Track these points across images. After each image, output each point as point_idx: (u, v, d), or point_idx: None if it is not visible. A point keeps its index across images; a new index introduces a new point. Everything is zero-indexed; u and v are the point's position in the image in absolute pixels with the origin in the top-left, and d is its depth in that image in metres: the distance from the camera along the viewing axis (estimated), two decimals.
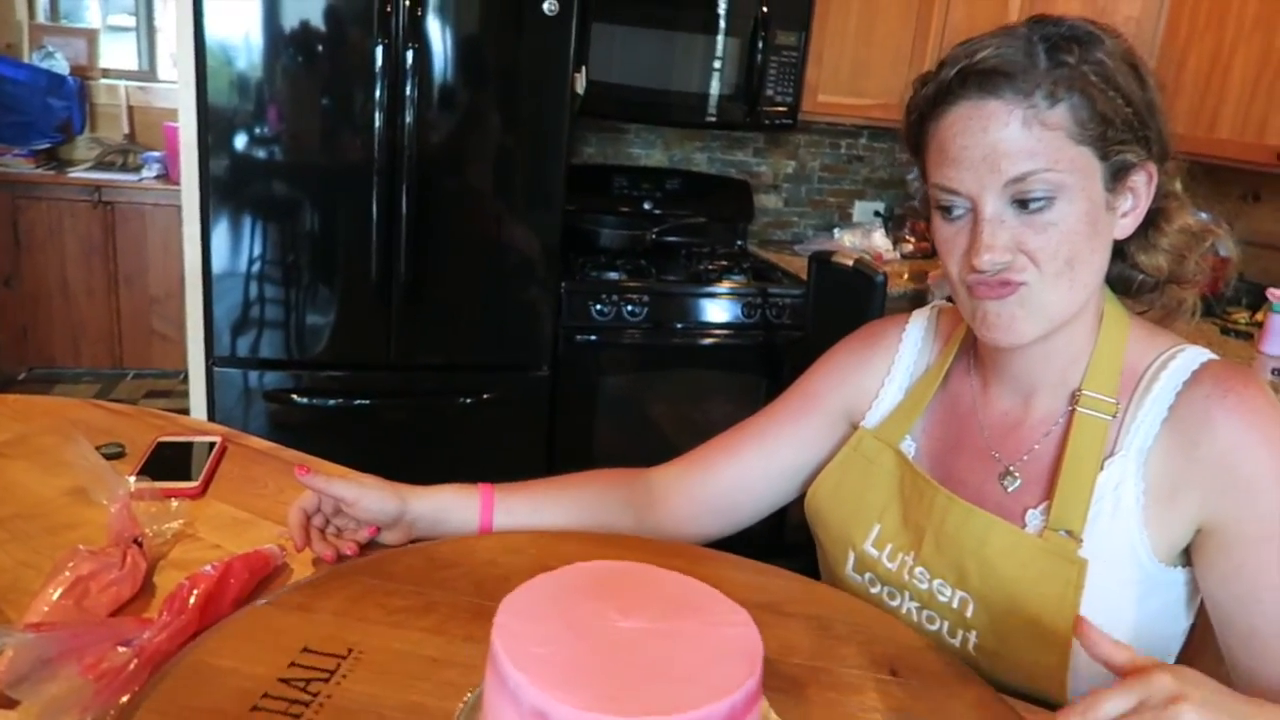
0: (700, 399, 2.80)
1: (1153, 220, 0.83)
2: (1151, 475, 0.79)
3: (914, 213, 3.29)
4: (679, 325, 2.75)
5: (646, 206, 3.11)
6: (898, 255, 3.17)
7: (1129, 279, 0.86)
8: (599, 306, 2.65)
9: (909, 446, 0.92)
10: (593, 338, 2.67)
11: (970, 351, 0.93)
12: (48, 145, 4.05)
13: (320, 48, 2.27)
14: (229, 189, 2.33)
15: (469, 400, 2.58)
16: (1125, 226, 0.80)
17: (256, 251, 2.38)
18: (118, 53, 4.36)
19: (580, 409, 2.71)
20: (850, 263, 2.44)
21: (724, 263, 2.96)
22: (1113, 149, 0.75)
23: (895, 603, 0.89)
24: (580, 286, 2.66)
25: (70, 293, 4.01)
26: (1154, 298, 0.88)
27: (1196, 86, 2.56)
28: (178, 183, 3.79)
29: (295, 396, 2.46)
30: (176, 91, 2.39)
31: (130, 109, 4.25)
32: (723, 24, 2.78)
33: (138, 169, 4.08)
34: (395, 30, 2.26)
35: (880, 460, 0.92)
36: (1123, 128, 0.75)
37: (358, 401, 2.51)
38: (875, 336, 0.99)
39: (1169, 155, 0.81)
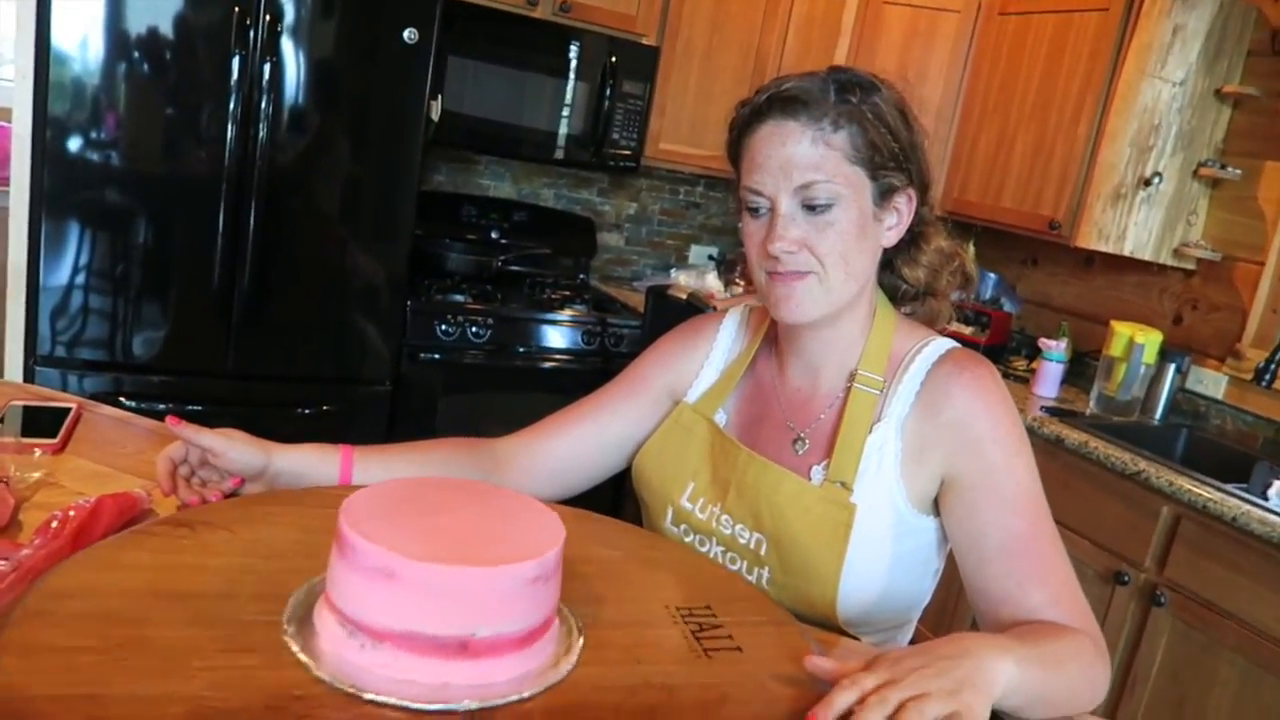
0: (535, 420, 2.91)
1: (915, 241, 1.05)
2: (907, 438, 0.98)
3: (743, 259, 3.56)
4: (521, 349, 2.87)
5: (494, 235, 3.24)
6: (728, 296, 3.41)
7: (896, 288, 1.07)
8: (444, 326, 2.74)
9: (721, 417, 1.09)
10: (436, 356, 2.75)
11: (772, 341, 1.11)
12: None
13: (172, 56, 2.28)
14: (64, 190, 2.29)
15: (307, 411, 2.60)
16: (890, 237, 1.01)
17: (90, 253, 2.34)
18: None
19: (418, 426, 2.77)
20: (685, 296, 2.64)
21: (567, 293, 3.11)
22: (880, 172, 0.96)
23: (705, 548, 1.04)
24: (426, 306, 2.74)
25: None
26: (916, 306, 1.09)
27: (986, 161, 2.94)
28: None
29: (122, 399, 2.41)
30: (5, 90, 2.32)
31: None
32: (574, 69, 2.97)
33: None
34: (253, 43, 2.31)
35: (696, 429, 1.08)
36: (889, 157, 0.96)
37: (190, 407, 2.48)
38: (697, 328, 1.17)
39: (928, 187, 1.02)
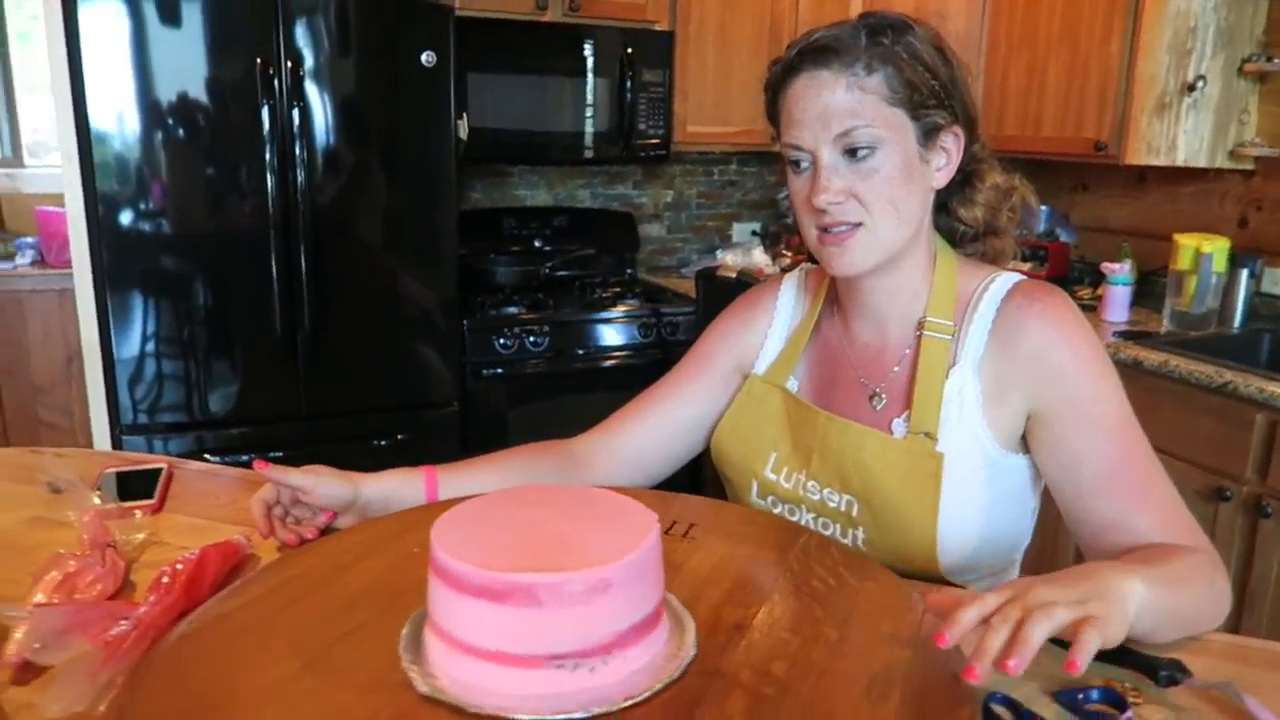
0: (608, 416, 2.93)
1: (969, 180, 1.02)
2: (985, 378, 0.96)
3: (787, 229, 3.54)
4: (580, 351, 2.89)
5: (537, 244, 3.26)
6: (777, 269, 3.39)
7: (954, 230, 1.05)
8: (501, 340, 2.76)
9: (793, 384, 1.08)
10: (498, 371, 2.78)
11: (833, 301, 1.10)
12: None
13: (204, 117, 2.34)
14: (123, 263, 2.37)
15: (383, 442, 2.64)
16: (940, 179, 0.98)
17: (156, 320, 2.42)
18: None
19: (490, 441, 2.77)
20: (734, 274, 2.63)
21: (617, 289, 3.12)
22: (921, 112, 0.93)
23: (795, 517, 1.04)
24: (481, 323, 2.77)
25: None
26: (977, 247, 1.06)
27: (1020, 91, 2.87)
28: (55, 268, 3.77)
29: (206, 456, 2.48)
30: (47, 176, 2.41)
31: None
32: (591, 66, 2.97)
33: (11, 257, 3.99)
34: (279, 92, 2.35)
35: (770, 399, 1.08)
36: (928, 95, 0.93)
37: (271, 455, 2.54)
38: (755, 299, 1.16)
39: (975, 123, 1.00)
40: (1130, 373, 2.21)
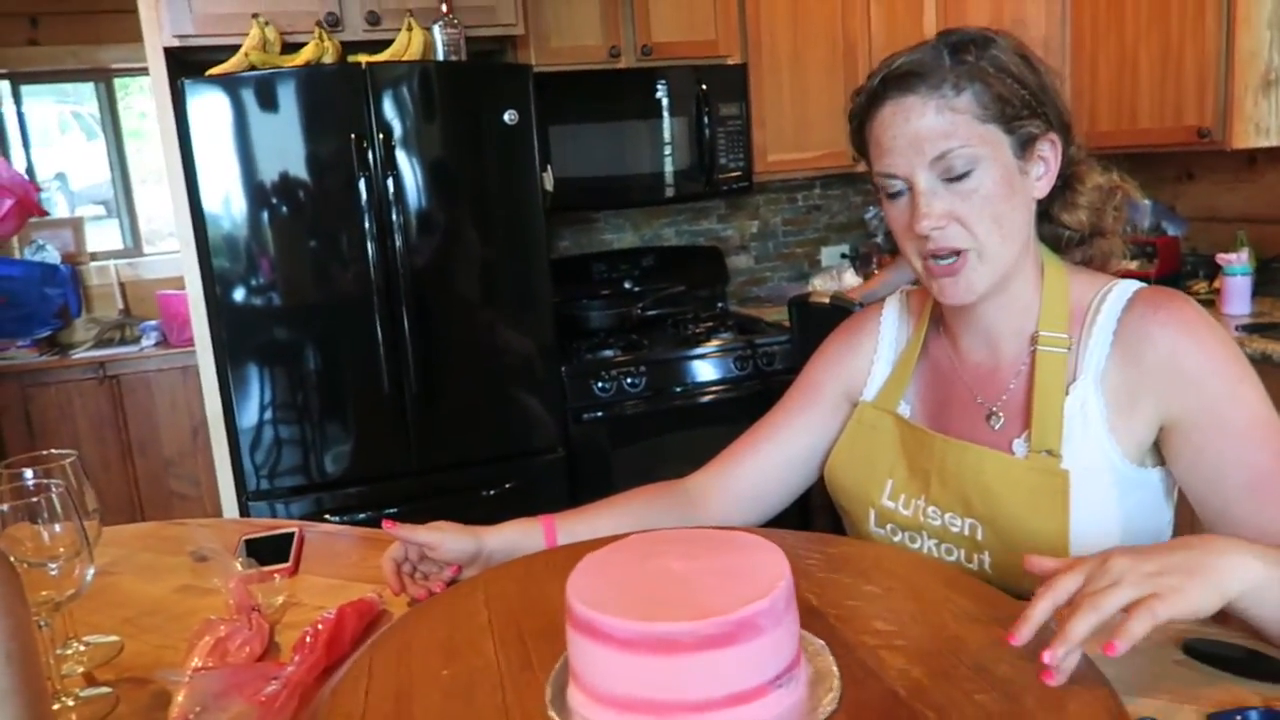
0: (709, 454, 2.92)
1: (1069, 184, 1.00)
2: (1109, 391, 0.93)
3: (877, 249, 3.50)
4: (677, 389, 2.90)
5: (627, 286, 3.29)
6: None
7: (1059, 236, 1.02)
8: (600, 384, 2.80)
9: (904, 409, 1.06)
10: (599, 414, 2.81)
11: (939, 321, 1.08)
12: (49, 332, 4.21)
13: (305, 194, 2.45)
14: (240, 338, 2.49)
15: (492, 492, 2.69)
16: (1041, 188, 0.96)
17: (273, 391, 2.53)
18: (98, 237, 4.58)
19: (598, 483, 2.82)
20: (827, 299, 2.61)
21: (709, 324, 3.13)
22: (1014, 124, 0.92)
23: (915, 545, 1.01)
24: (579, 369, 2.81)
25: (88, 468, 4.10)
26: (1084, 251, 1.03)
27: (1110, 85, 2.78)
28: (177, 346, 3.99)
29: (328, 517, 2.57)
30: (165, 262, 2.56)
31: (122, 285, 4.44)
32: (666, 107, 3.01)
33: (136, 340, 4.24)
34: (374, 164, 2.46)
35: (882, 425, 1.06)
36: (1020, 106, 0.92)
37: (387, 511, 2.61)
38: (859, 325, 1.15)
39: (1069, 126, 0.97)
40: (1260, 367, 2.07)
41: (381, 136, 2.45)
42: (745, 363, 2.92)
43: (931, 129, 0.90)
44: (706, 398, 2.91)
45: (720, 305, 3.45)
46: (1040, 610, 0.67)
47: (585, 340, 2.99)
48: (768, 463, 1.13)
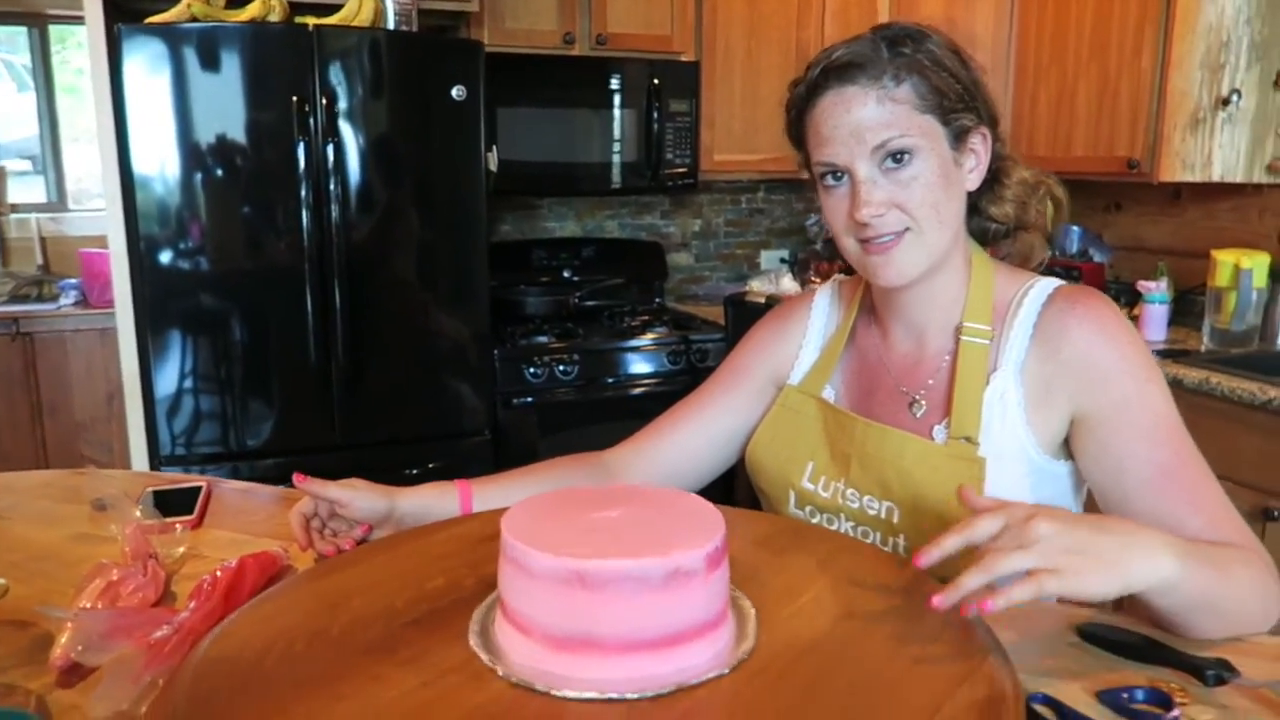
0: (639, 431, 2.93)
1: (996, 178, 1.02)
2: (1028, 382, 0.95)
3: (816, 255, 3.54)
4: (609, 380, 2.89)
5: (566, 275, 3.28)
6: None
7: (985, 230, 1.04)
8: (532, 370, 2.77)
9: (829, 394, 1.07)
10: (529, 400, 2.78)
11: (869, 310, 1.09)
12: None
13: (242, 158, 2.38)
14: (163, 301, 2.41)
15: (415, 471, 2.64)
16: (972, 180, 0.98)
17: (195, 357, 2.45)
18: (22, 192, 4.40)
19: None
20: (763, 299, 2.63)
21: (645, 318, 3.12)
22: (950, 116, 0.93)
23: (833, 526, 1.02)
24: (512, 353, 2.78)
25: None
26: (1008, 245, 1.06)
27: (1050, 113, 2.86)
28: (98, 307, 3.85)
29: None
30: (90, 219, 2.46)
31: (43, 240, 4.27)
32: (618, 98, 3.00)
33: (55, 298, 4.08)
34: (315, 130, 2.40)
35: (806, 409, 1.07)
36: (955, 99, 0.94)
37: None
38: (789, 310, 1.16)
39: (997, 122, 1.00)
40: (1171, 391, 2.17)
41: (324, 102, 2.40)
42: (678, 357, 2.93)
43: (873, 119, 0.91)
44: (637, 390, 2.91)
45: (658, 301, 3.46)
46: (951, 543, 0.70)
47: (520, 325, 2.97)
48: (689, 441, 1.13)
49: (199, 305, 2.43)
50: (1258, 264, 2.42)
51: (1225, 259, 2.46)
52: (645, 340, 2.93)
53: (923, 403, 1.01)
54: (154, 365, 2.43)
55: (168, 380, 2.44)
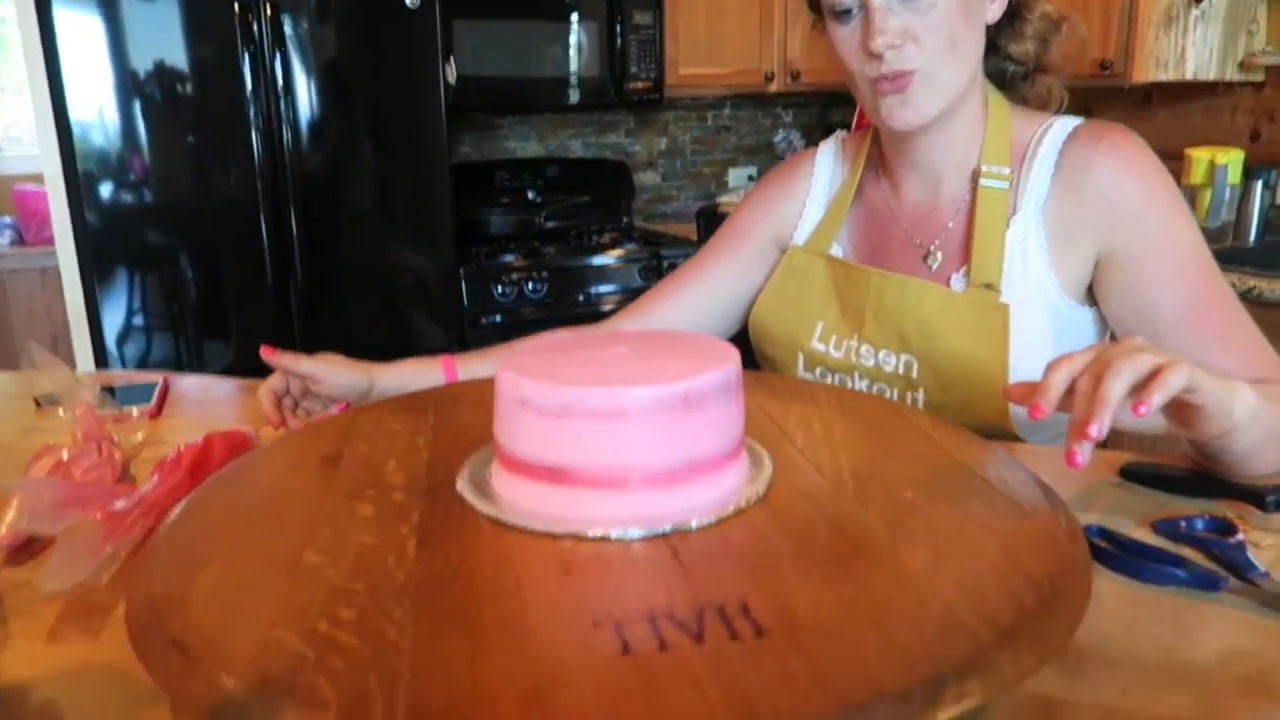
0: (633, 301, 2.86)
1: (1017, 12, 0.94)
2: (1050, 224, 0.89)
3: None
4: (579, 297, 2.81)
5: (530, 196, 3.17)
6: None
7: (1003, 71, 0.97)
8: (500, 288, 2.68)
9: (837, 251, 1.01)
10: (497, 318, 2.70)
11: (877, 163, 1.02)
12: None
13: (184, 79, 2.24)
14: (106, 238, 2.28)
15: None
16: (994, 11, 0.91)
17: (144, 292, 2.34)
18: None
19: None
20: None
21: (614, 234, 3.04)
22: None
23: (849, 385, 0.96)
24: (478, 272, 2.68)
25: None
26: (1026, 88, 0.99)
27: None
28: (35, 245, 3.66)
29: None
30: (22, 159, 2.30)
31: None
32: (577, 7, 2.87)
33: None
34: (259, 38, 2.25)
35: (813, 268, 1.00)
36: None
37: None
38: (790, 168, 1.08)
39: None
40: None
41: (269, 12, 2.25)
42: (649, 272, 2.84)
43: None
44: (608, 306, 2.83)
45: (625, 220, 3.36)
46: (1059, 377, 0.60)
47: (485, 245, 2.86)
48: (688, 309, 1.05)
49: (146, 239, 2.30)
50: (1232, 159, 2.39)
51: (1200, 155, 2.43)
52: (615, 256, 2.84)
53: (938, 253, 0.94)
54: (101, 303, 2.31)
55: (115, 318, 2.32)
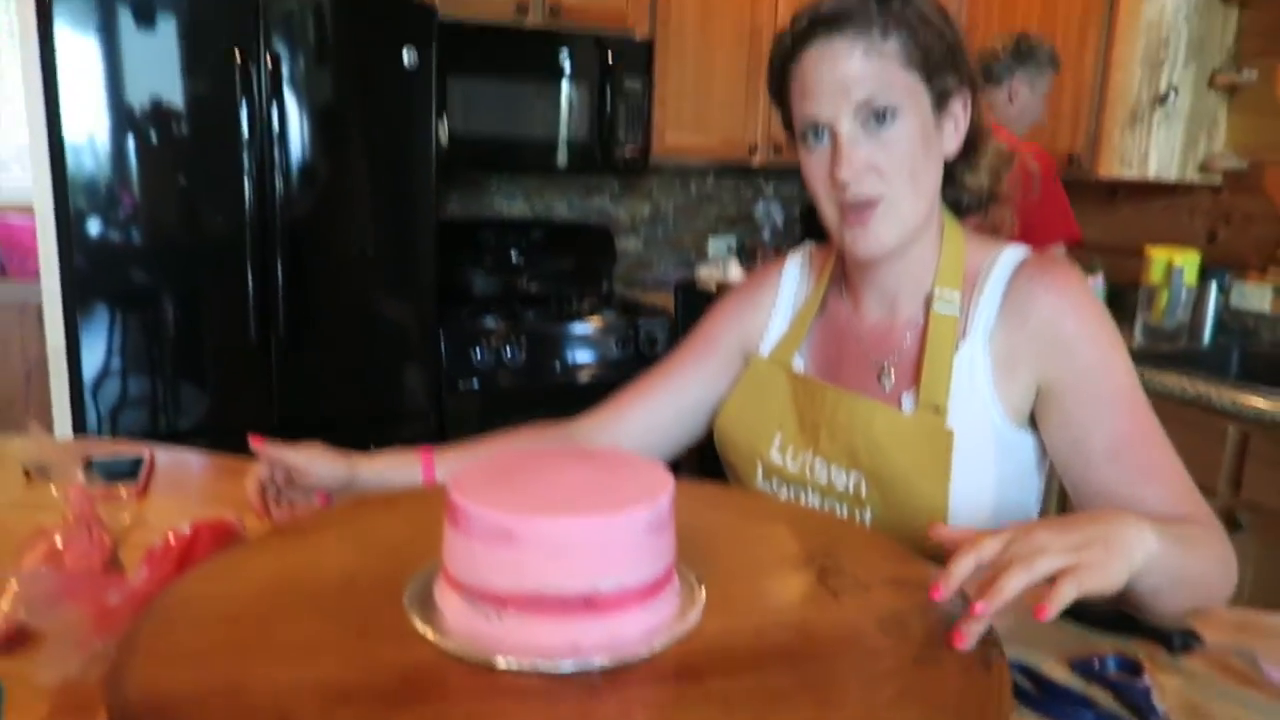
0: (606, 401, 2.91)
1: (972, 146, 1.01)
2: (995, 351, 0.96)
3: (763, 245, 3.56)
4: (556, 364, 2.86)
5: (514, 258, 3.23)
6: None
7: (959, 201, 1.04)
8: (479, 353, 2.73)
9: (798, 363, 1.07)
10: (474, 383, 2.74)
11: (840, 280, 1.09)
12: None
13: (181, 120, 2.29)
14: (92, 275, 2.31)
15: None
16: (951, 146, 0.98)
17: (124, 331, 2.35)
18: None
19: None
20: (714, 286, 2.63)
21: (593, 301, 3.10)
22: (934, 77, 0.93)
23: (800, 500, 1.02)
24: (458, 335, 2.73)
25: None
26: (979, 217, 1.06)
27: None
28: (18, 279, 3.67)
29: None
30: (14, 189, 2.32)
31: None
32: (569, 73, 2.96)
33: None
34: (258, 90, 2.31)
35: (775, 380, 1.06)
36: (940, 59, 0.93)
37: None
38: (759, 280, 1.15)
39: (977, 87, 0.99)
40: None
41: (269, 64, 2.32)
42: (626, 344, 2.91)
43: (859, 72, 0.90)
44: (585, 376, 2.89)
45: (606, 284, 3.43)
46: (963, 566, 0.66)
47: (466, 307, 2.92)
48: (655, 413, 1.11)
49: (131, 278, 2.33)
50: (1189, 261, 2.50)
51: (1159, 255, 2.54)
52: (592, 325, 2.91)
53: (891, 371, 1.01)
54: (82, 340, 2.33)
55: (95, 356, 2.34)
